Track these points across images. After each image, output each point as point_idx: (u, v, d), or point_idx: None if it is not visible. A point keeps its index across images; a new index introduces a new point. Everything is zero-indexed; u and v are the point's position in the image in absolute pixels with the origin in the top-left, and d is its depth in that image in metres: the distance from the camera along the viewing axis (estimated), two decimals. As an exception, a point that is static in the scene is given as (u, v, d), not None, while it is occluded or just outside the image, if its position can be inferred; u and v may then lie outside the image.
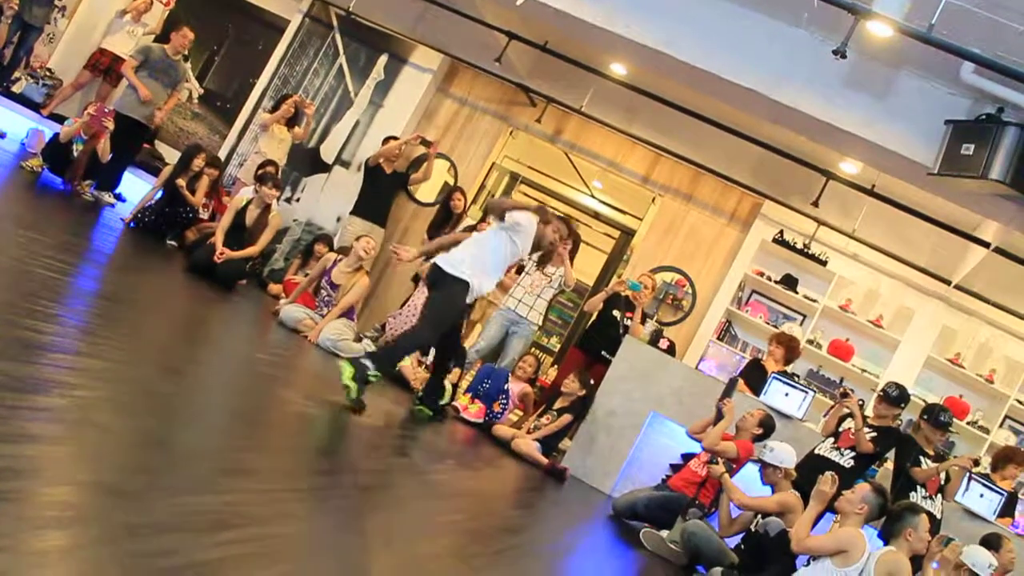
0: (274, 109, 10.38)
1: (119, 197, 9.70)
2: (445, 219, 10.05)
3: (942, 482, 6.62)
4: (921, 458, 6.55)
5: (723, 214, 10.45)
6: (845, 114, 7.48)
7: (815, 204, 9.10)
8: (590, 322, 9.30)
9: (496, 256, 6.40)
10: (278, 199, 9.29)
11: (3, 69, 10.63)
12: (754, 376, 8.05)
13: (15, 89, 10.90)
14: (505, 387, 8.24)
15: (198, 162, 9.16)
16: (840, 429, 6.81)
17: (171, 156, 10.68)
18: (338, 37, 11.37)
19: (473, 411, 7.97)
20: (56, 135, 9.34)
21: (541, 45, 9.69)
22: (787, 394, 7.47)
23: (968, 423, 9.32)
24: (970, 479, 6.82)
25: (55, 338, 4.00)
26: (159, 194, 9.20)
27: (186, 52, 10.01)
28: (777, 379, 7.57)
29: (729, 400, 6.84)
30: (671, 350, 8.68)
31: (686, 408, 7.46)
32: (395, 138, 10.50)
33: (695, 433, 7.09)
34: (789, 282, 9.99)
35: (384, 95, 11.20)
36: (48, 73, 11.50)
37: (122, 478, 2.85)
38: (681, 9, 7.83)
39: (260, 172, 9.33)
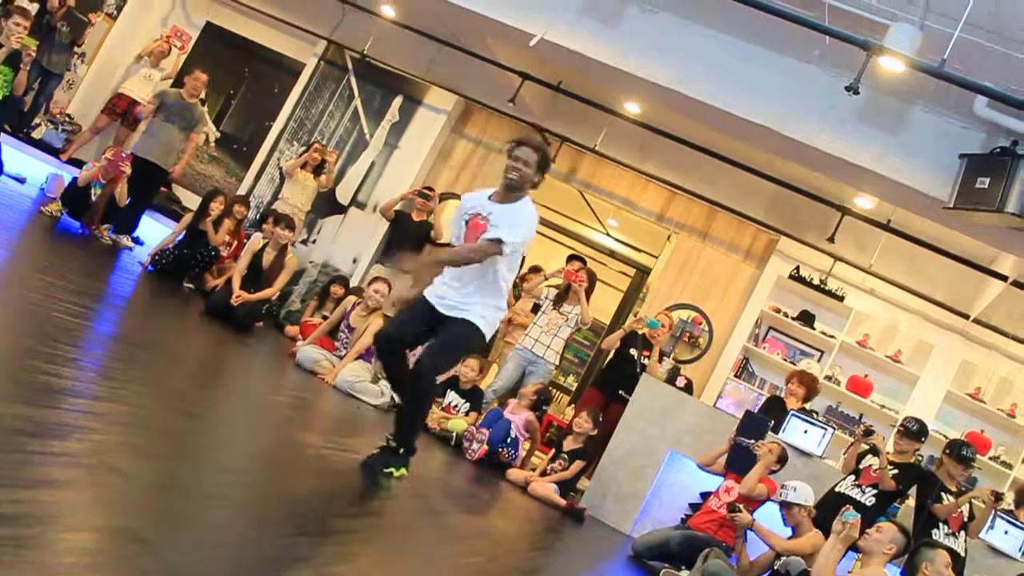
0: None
1: (137, 240, 9.77)
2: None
3: (965, 518, 6.54)
4: (943, 495, 6.48)
5: (739, 251, 10.44)
6: (859, 149, 7.48)
7: (831, 240, 9.08)
8: (607, 361, 9.28)
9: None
10: (294, 242, 9.33)
11: (24, 115, 10.76)
12: (774, 413, 7.99)
13: (35, 135, 11.02)
14: (511, 431, 8.07)
15: (215, 206, 9.25)
16: (860, 466, 6.75)
17: (188, 199, 10.78)
18: (353, 80, 11.47)
19: (477, 450, 7.85)
20: (75, 179, 9.42)
21: (555, 85, 9.75)
22: (806, 431, 7.42)
23: (990, 458, 9.22)
24: (995, 516, 6.73)
25: (74, 382, 4.01)
26: (179, 238, 9.28)
27: (202, 95, 10.12)
28: (796, 416, 7.52)
29: (763, 443, 6.79)
30: (688, 388, 8.65)
31: (705, 446, 7.40)
32: (430, 191, 10.50)
33: (706, 464, 7.06)
34: (806, 318, 9.95)
35: (399, 136, 11.27)
36: (68, 119, 11.64)
37: (141, 523, 2.84)
38: (693, 47, 7.87)
39: (273, 214, 9.41)
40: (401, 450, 5.13)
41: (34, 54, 9.02)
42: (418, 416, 5.38)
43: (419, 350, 5.28)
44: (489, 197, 5.30)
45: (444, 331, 5.08)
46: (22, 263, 6.73)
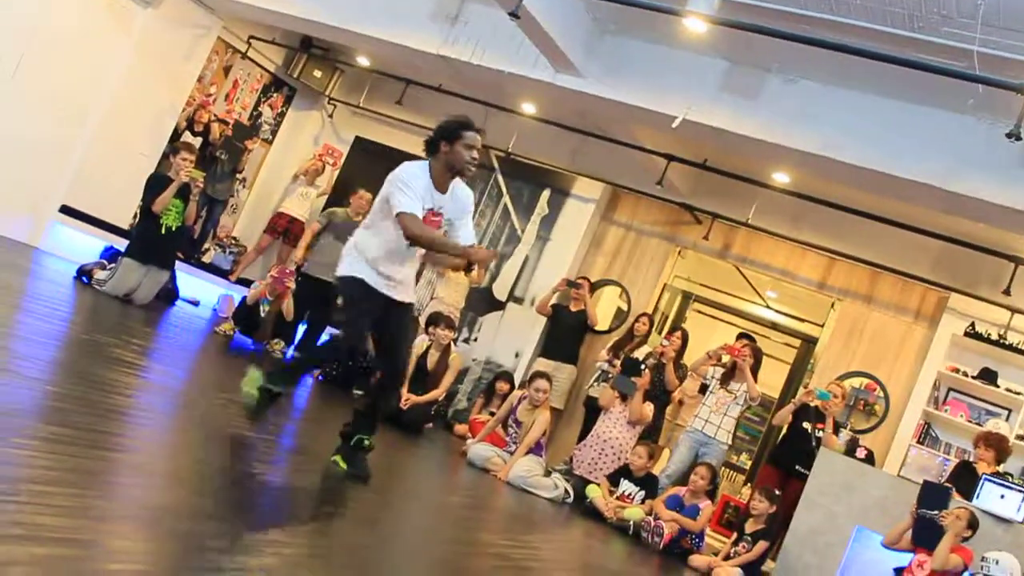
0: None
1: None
2: (628, 341, 10.02)
3: None
4: None
5: (907, 312, 10.08)
6: (1026, 196, 7.18)
7: (1007, 292, 8.69)
8: (780, 436, 9.03)
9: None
10: (455, 340, 9.48)
11: (194, 242, 11.35)
12: (964, 479, 7.60)
13: (205, 259, 11.61)
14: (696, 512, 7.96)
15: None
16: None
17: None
18: (500, 177, 11.70)
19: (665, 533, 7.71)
20: (244, 299, 9.84)
21: (701, 163, 9.74)
22: (1002, 496, 7.00)
23: None
24: (984, 481, 6.45)
25: (260, 497, 4.13)
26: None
27: (365, 213, 10.48)
28: (990, 480, 7.12)
29: (949, 511, 6.47)
30: (870, 459, 8.31)
31: (893, 519, 7.06)
32: (582, 280, 10.59)
33: (892, 543, 6.73)
34: (988, 376, 9.47)
35: (550, 229, 11.40)
36: (233, 241, 12.23)
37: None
38: (839, 112, 7.75)
39: (431, 315, 9.59)
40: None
41: (202, 185, 9.54)
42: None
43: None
44: (432, 178, 5.08)
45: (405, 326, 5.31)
46: (201, 383, 7.04)
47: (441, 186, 5.09)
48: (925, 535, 6.49)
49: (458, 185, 5.16)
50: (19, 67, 9.63)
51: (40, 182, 10.04)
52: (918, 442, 9.54)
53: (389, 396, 5.54)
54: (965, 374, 9.54)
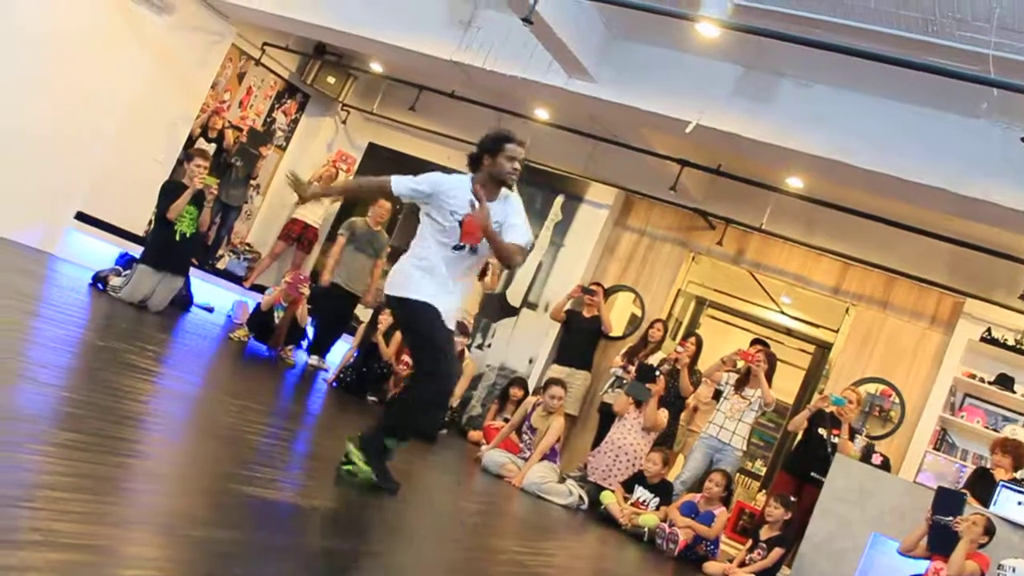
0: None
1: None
2: (642, 347, 10.00)
3: None
4: None
5: (923, 317, 10.04)
6: (1041, 200, 7.14)
7: (1023, 297, 8.65)
8: (795, 443, 9.01)
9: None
10: (469, 346, 9.48)
11: (209, 249, 11.40)
12: (981, 486, 7.56)
13: (219, 265, 11.65)
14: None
15: (384, 318, 9.49)
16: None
17: (366, 315, 11.11)
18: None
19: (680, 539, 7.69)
20: (258, 305, 9.87)
21: (714, 168, 9.71)
22: (1020, 503, 6.95)
23: None
24: (1001, 487, 6.37)
25: (275, 504, 4.13)
26: (357, 352, 9.57)
27: (384, 221, 10.54)
28: (1007, 487, 7.07)
29: (964, 517, 6.43)
30: (886, 465, 8.28)
31: (909, 525, 7.02)
32: (596, 286, 10.59)
33: (907, 551, 6.69)
34: (1004, 382, 9.42)
35: (564, 235, 11.40)
36: (248, 247, 12.27)
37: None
38: (853, 116, 7.73)
39: None
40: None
41: (216, 192, 9.57)
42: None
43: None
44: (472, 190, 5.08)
45: None
46: (216, 389, 7.05)
47: (491, 194, 5.13)
48: (940, 542, 6.45)
49: (509, 193, 5.22)
50: (35, 76, 9.68)
51: (56, 189, 10.09)
52: (934, 448, 9.49)
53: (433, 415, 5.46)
54: (982, 380, 9.49)
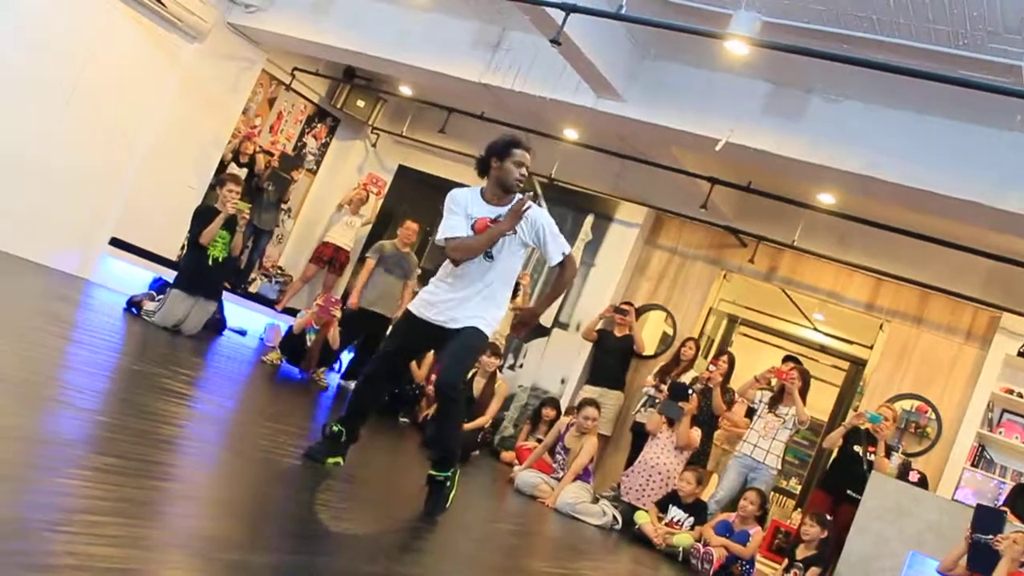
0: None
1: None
2: (674, 366, 9.97)
3: None
4: None
5: (958, 332, 9.93)
6: (1078, 213, 7.06)
7: (1060, 311, 8.56)
8: (831, 460, 8.93)
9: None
10: (501, 367, 9.49)
11: (241, 273, 11.48)
12: (1021, 502, 7.47)
13: (252, 289, 11.73)
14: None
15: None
16: None
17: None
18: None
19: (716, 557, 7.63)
20: (291, 328, 9.92)
21: (744, 186, 9.68)
22: (1061, 519, 6.88)
23: None
24: None
25: (310, 525, 4.14)
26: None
27: (413, 243, 10.60)
28: (1047, 504, 7.00)
29: (1003, 536, 6.34)
30: (923, 483, 8.19)
31: (948, 544, 6.94)
32: (628, 305, 10.56)
33: (947, 570, 6.61)
34: (1044, 397, 9.31)
35: (594, 254, 11.39)
36: (279, 271, 12.35)
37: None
38: (884, 131, 7.68)
39: None
40: (449, 471, 5.14)
41: (248, 216, 9.65)
42: (456, 431, 5.33)
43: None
44: (484, 199, 5.25)
45: (455, 343, 5.09)
46: (250, 411, 7.09)
47: (496, 203, 5.24)
48: (980, 560, 6.37)
49: (537, 209, 5.30)
50: (70, 102, 9.82)
51: (90, 215, 10.22)
52: (972, 465, 9.38)
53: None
54: (1020, 395, 9.37)
